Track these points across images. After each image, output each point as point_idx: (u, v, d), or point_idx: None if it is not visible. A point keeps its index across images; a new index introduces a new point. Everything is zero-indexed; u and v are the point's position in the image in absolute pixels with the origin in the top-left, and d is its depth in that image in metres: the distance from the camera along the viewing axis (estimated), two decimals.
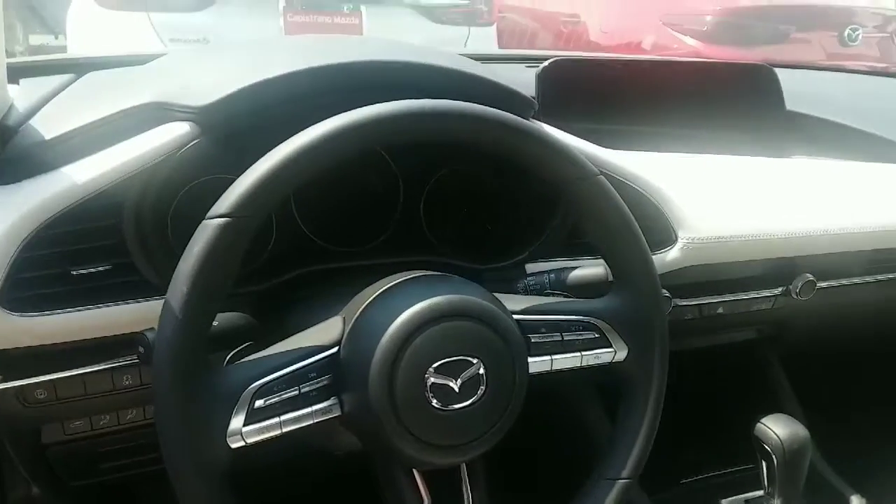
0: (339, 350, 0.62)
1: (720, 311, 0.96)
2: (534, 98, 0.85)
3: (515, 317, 0.67)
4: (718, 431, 1.05)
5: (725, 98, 1.08)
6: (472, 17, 3.18)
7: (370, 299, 0.63)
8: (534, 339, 0.67)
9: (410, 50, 0.85)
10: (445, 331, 0.60)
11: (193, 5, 2.89)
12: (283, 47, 0.91)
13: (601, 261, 0.82)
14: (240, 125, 0.70)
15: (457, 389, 0.60)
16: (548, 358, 0.68)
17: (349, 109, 0.59)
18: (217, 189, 0.57)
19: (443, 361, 0.60)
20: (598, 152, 0.84)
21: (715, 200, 0.91)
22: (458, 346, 0.61)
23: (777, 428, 0.89)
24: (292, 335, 0.63)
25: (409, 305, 0.60)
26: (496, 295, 0.69)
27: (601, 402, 1.00)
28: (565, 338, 0.68)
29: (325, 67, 0.72)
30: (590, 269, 0.79)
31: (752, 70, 1.05)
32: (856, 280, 1.03)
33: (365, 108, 0.59)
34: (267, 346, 0.62)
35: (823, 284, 0.99)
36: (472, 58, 0.88)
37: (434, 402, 0.60)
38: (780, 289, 0.98)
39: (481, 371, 0.61)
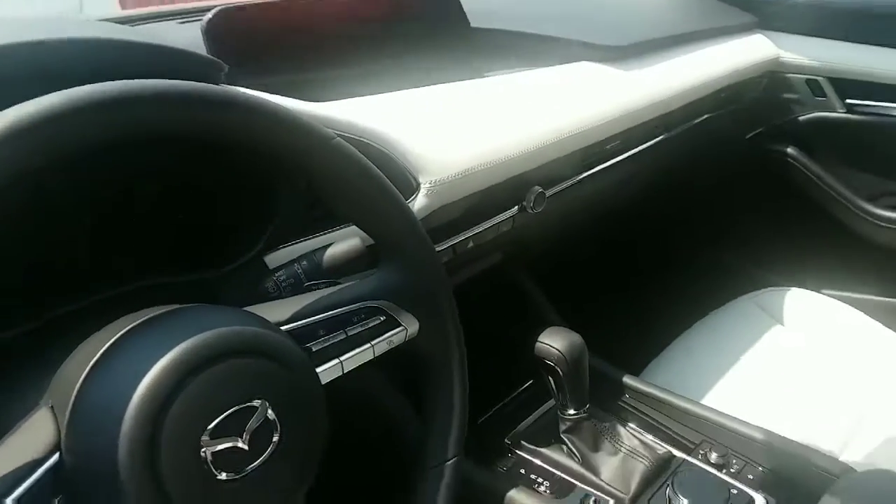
0: (60, 457, 0.43)
1: (470, 245, 0.93)
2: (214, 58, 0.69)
3: (285, 328, 0.54)
4: (494, 361, 1.04)
5: (410, 24, 1.02)
6: None
7: (85, 372, 0.45)
8: (315, 346, 0.55)
9: (27, 25, 0.62)
10: (206, 383, 0.45)
11: None
12: None
13: (351, 229, 0.72)
14: None
15: (246, 447, 0.46)
16: (336, 362, 0.56)
17: None
18: None
19: (217, 421, 0.45)
20: (305, 107, 0.72)
21: (441, 135, 0.84)
22: (229, 395, 0.46)
23: (555, 342, 0.89)
24: None
25: (144, 368, 0.43)
26: (251, 309, 0.54)
27: (400, 391, 0.91)
28: (349, 333, 0.57)
29: None
30: (344, 243, 0.68)
31: None
32: (573, 181, 1.06)
33: None
34: None
35: (549, 192, 1.00)
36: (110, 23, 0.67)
37: (222, 474, 0.45)
38: (515, 207, 0.97)
39: (269, 413, 0.48)
